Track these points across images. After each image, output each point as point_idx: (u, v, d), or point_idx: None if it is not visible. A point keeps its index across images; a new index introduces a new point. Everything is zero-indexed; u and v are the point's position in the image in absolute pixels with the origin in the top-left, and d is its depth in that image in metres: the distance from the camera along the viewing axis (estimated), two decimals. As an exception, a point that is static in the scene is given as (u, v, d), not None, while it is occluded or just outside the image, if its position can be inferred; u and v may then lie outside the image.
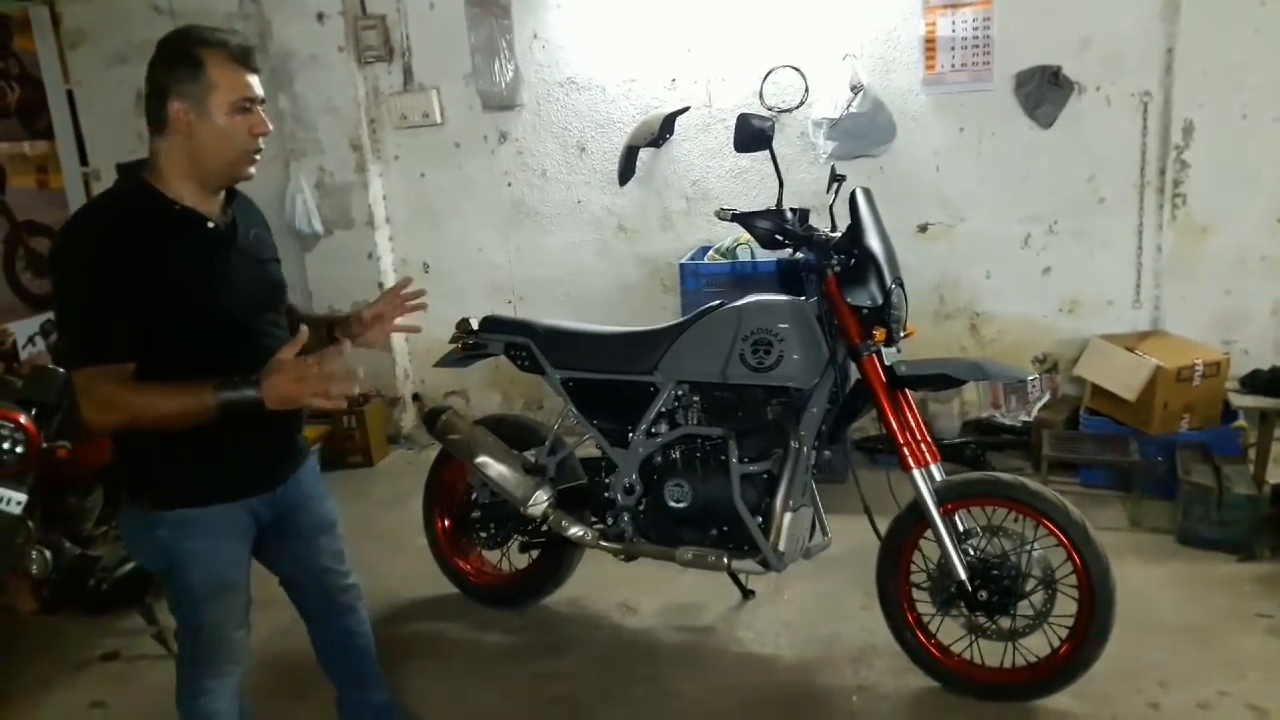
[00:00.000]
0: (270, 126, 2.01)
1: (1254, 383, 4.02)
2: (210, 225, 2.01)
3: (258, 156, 2.01)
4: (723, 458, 2.89)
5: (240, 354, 1.96)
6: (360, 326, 2.31)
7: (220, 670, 2.18)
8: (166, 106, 1.92)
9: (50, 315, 5.47)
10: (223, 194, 2.07)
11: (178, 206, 1.96)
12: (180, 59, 1.91)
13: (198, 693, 2.18)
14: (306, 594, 2.39)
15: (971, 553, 2.71)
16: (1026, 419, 4.55)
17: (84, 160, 5.69)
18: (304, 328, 1.96)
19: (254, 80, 1.98)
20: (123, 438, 2.03)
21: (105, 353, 1.88)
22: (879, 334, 2.69)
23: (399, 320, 2.35)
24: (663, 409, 3.02)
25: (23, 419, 2.87)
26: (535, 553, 3.40)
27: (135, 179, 1.98)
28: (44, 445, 2.91)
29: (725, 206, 2.91)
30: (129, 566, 3.23)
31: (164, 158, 1.96)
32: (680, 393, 3.02)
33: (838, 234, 2.79)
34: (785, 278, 4.06)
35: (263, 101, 2.00)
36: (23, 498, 2.84)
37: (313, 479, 2.33)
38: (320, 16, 5.04)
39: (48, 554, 3.00)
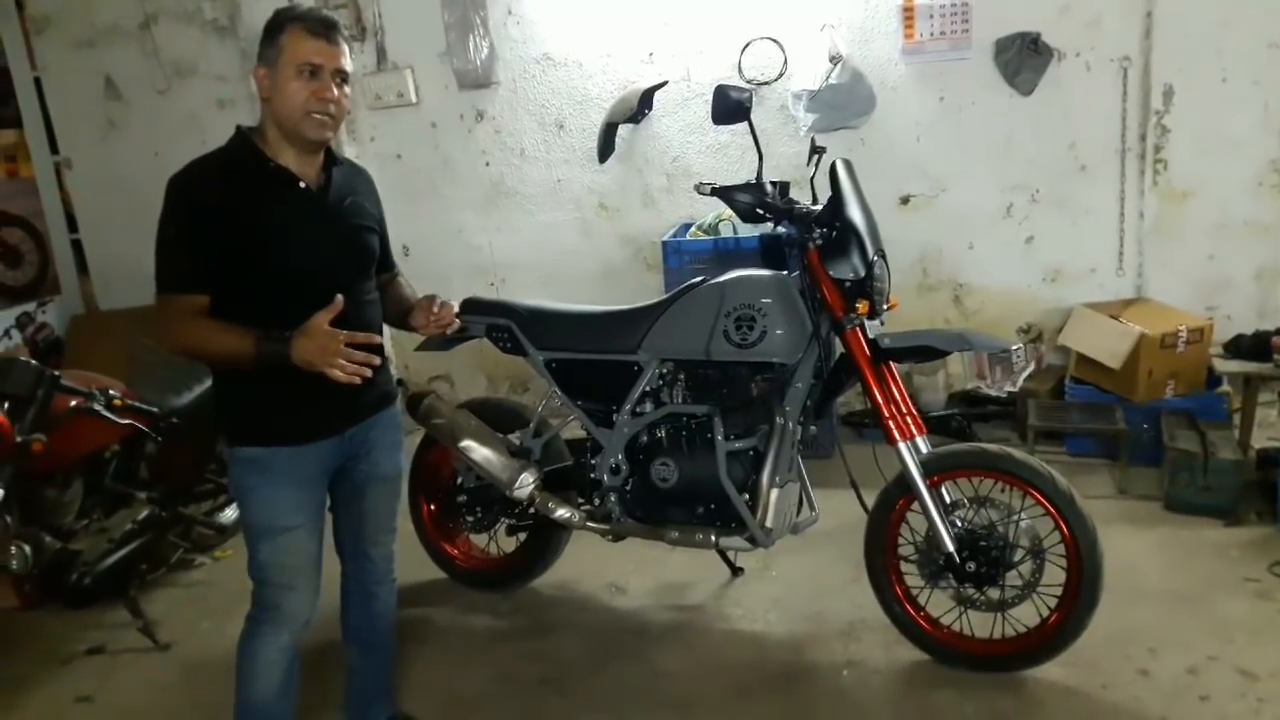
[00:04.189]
0: (334, 93, 2.10)
1: (1237, 348, 4.02)
2: (302, 185, 2.15)
3: (326, 120, 2.11)
4: (708, 435, 2.87)
5: (315, 309, 2.04)
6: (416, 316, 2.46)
7: (273, 616, 2.24)
8: (255, 74, 2.13)
9: (25, 308, 5.43)
10: (321, 158, 2.21)
11: (272, 164, 2.12)
12: (268, 31, 2.11)
13: (254, 633, 2.27)
14: (340, 531, 2.47)
15: (959, 524, 2.70)
16: (1012, 389, 4.55)
17: (54, 148, 5.59)
18: (339, 297, 2.06)
19: (327, 49, 2.09)
20: (214, 377, 2.26)
21: (180, 283, 2.07)
22: (862, 307, 2.66)
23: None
24: (647, 388, 3.00)
25: (-5, 413, 2.82)
26: (522, 535, 3.38)
27: (242, 137, 2.16)
28: (18, 439, 2.85)
29: (705, 181, 2.88)
30: (111, 559, 3.21)
31: (264, 121, 2.16)
32: (664, 371, 2.99)
33: (819, 207, 2.76)
34: (768, 253, 4.03)
35: (340, 72, 2.11)
36: (-1, 493, 2.80)
37: (386, 429, 2.44)
38: (290, -4, 4.96)
39: (27, 549, 2.96)
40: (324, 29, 2.09)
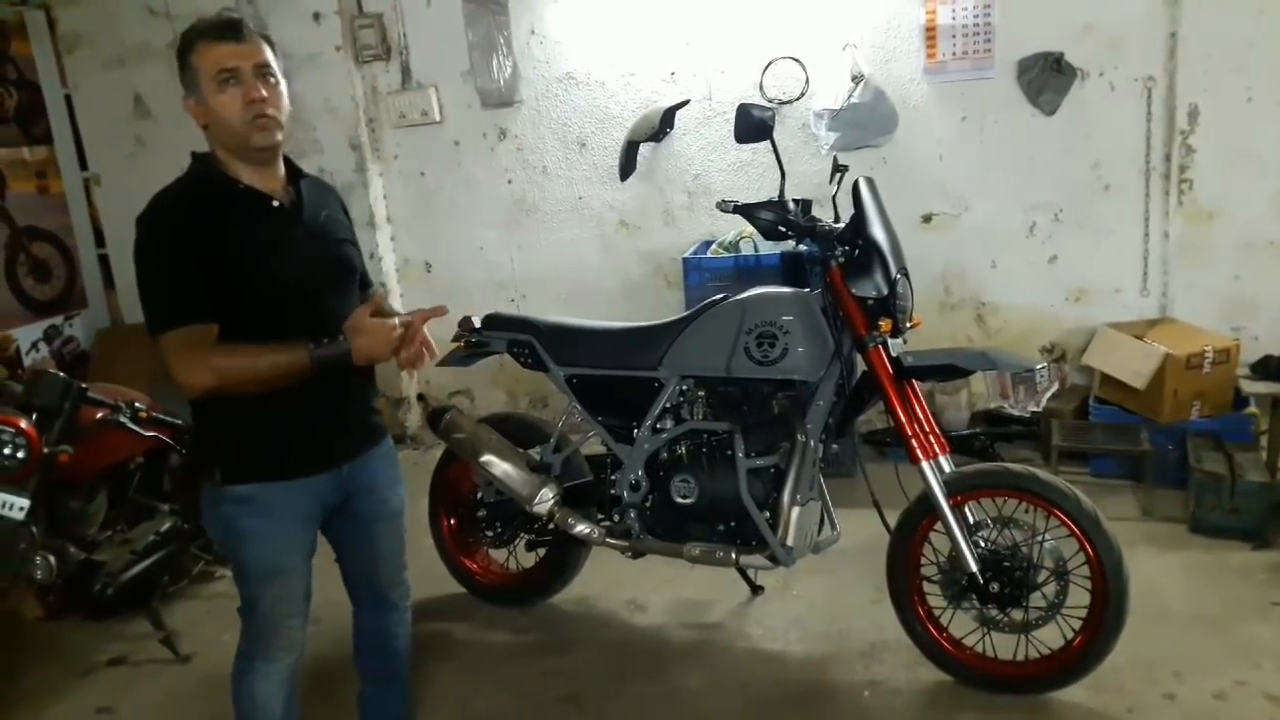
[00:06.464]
0: (263, 93, 1.98)
1: (1265, 369, 3.99)
2: (275, 204, 2.07)
3: (266, 123, 1.99)
4: (729, 452, 2.87)
5: (306, 329, 2.00)
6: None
7: (270, 654, 2.20)
8: (186, 105, 2.03)
9: (53, 321, 5.49)
10: (282, 173, 2.13)
11: (240, 185, 2.04)
12: (179, 57, 2.01)
13: (248, 670, 2.22)
14: (354, 579, 2.42)
15: (982, 544, 2.68)
16: (1035, 409, 4.52)
17: (84, 165, 5.67)
18: (379, 291, 2.10)
19: (238, 48, 1.97)
20: (196, 413, 2.12)
21: (186, 315, 1.94)
22: (884, 325, 2.65)
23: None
24: (667, 404, 3.00)
25: (23, 424, 2.85)
26: (542, 551, 3.38)
27: (204, 162, 2.07)
28: (45, 450, 2.89)
29: (727, 199, 2.89)
30: (134, 570, 3.23)
31: (212, 147, 2.06)
32: (685, 388, 2.99)
33: (841, 225, 2.76)
34: (789, 270, 4.03)
35: (261, 66, 1.99)
36: (25, 503, 2.82)
37: (384, 464, 2.34)
38: (316, 16, 5.02)
39: (52, 559, 2.99)
40: (229, 30, 1.96)
